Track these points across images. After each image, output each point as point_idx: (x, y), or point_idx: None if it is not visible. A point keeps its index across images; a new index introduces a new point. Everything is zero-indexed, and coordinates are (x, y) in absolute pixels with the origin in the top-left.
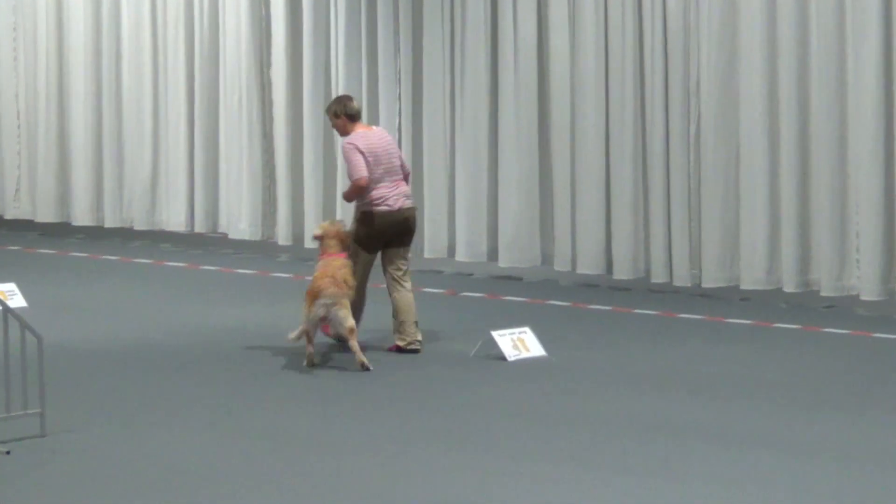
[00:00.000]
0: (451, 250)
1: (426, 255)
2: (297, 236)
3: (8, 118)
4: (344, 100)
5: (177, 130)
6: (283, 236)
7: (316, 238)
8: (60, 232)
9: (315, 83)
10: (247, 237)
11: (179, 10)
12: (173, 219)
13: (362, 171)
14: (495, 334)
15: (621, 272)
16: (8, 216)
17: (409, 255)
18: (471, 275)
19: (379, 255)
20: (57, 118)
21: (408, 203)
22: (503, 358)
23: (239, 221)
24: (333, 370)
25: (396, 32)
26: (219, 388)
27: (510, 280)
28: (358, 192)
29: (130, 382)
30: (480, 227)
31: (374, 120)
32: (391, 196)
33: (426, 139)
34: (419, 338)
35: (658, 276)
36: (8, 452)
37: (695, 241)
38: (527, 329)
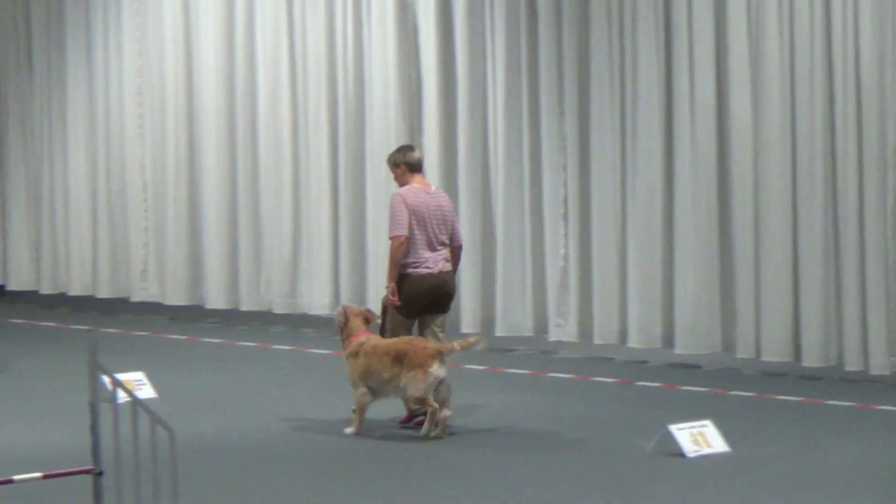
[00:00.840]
0: (623, 336)
1: (596, 340)
2: (454, 321)
3: (133, 191)
4: (405, 149)
5: (319, 204)
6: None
7: (341, 326)
8: (192, 316)
9: (471, 152)
10: None
11: (321, 72)
12: (316, 301)
13: (401, 230)
14: (673, 428)
15: (811, 359)
16: (134, 299)
17: (446, 322)
18: (645, 362)
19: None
20: (187, 191)
21: (447, 266)
22: (682, 454)
23: None
24: (492, 463)
25: (561, 95)
26: (367, 487)
27: (688, 368)
28: (396, 251)
29: (268, 481)
30: (654, 310)
31: (537, 193)
32: (430, 259)
33: (595, 213)
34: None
35: (852, 364)
36: None
37: (893, 325)
38: (707, 422)
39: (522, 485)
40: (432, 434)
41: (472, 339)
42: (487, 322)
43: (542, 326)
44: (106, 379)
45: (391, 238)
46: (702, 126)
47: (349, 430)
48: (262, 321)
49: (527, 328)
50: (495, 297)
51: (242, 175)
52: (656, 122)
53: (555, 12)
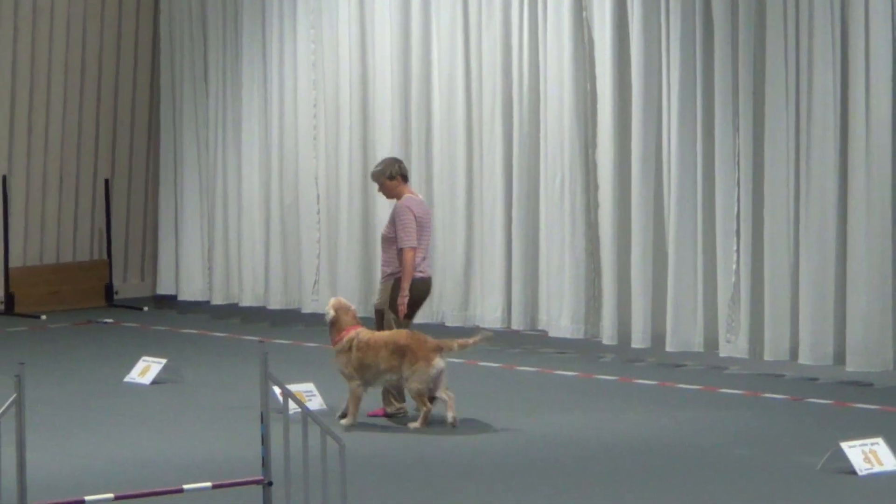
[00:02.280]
0: (794, 352)
1: (766, 357)
2: (624, 335)
3: (306, 203)
4: (396, 161)
5: (492, 216)
6: (607, 335)
7: (332, 321)
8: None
9: (645, 165)
10: (568, 335)
11: (496, 85)
12: (488, 314)
13: (413, 241)
14: (844, 446)
15: None
16: (306, 310)
17: None
18: (815, 379)
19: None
20: (360, 203)
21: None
22: (853, 472)
23: (560, 318)
24: (662, 477)
25: (735, 110)
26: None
27: (859, 386)
28: (411, 263)
29: (436, 495)
30: (826, 327)
31: (709, 208)
32: (424, 263)
33: (767, 228)
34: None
35: None
36: None
37: None
38: (879, 440)
39: (692, 500)
40: (451, 424)
41: (471, 340)
42: (658, 337)
43: (712, 342)
44: (277, 390)
45: (405, 249)
46: (877, 141)
47: (344, 421)
48: (435, 333)
49: (697, 343)
50: (665, 312)
51: (416, 187)
52: (831, 137)
53: (730, 27)
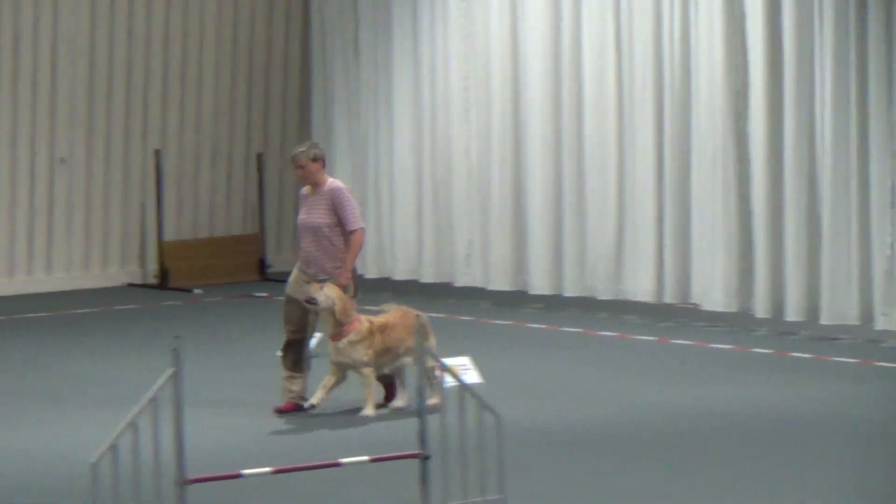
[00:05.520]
0: None
1: None
2: (777, 308)
3: (458, 177)
4: (316, 145)
5: (644, 190)
6: (761, 308)
7: (337, 310)
8: (516, 301)
9: (798, 137)
10: (721, 308)
11: (647, 57)
12: (640, 288)
13: (361, 221)
14: None
15: None
16: (458, 283)
17: None
18: None
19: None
20: (511, 177)
21: None
22: None
23: (712, 291)
24: (820, 452)
25: (890, 81)
26: (698, 478)
27: None
28: (361, 242)
29: (596, 468)
30: None
31: (864, 180)
32: None
33: None
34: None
35: None
36: None
37: None
38: None
39: (849, 476)
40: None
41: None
42: (812, 309)
43: (867, 315)
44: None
45: (358, 230)
46: None
47: (370, 412)
48: (585, 307)
49: (852, 317)
50: (820, 285)
51: (567, 160)
52: None
53: None
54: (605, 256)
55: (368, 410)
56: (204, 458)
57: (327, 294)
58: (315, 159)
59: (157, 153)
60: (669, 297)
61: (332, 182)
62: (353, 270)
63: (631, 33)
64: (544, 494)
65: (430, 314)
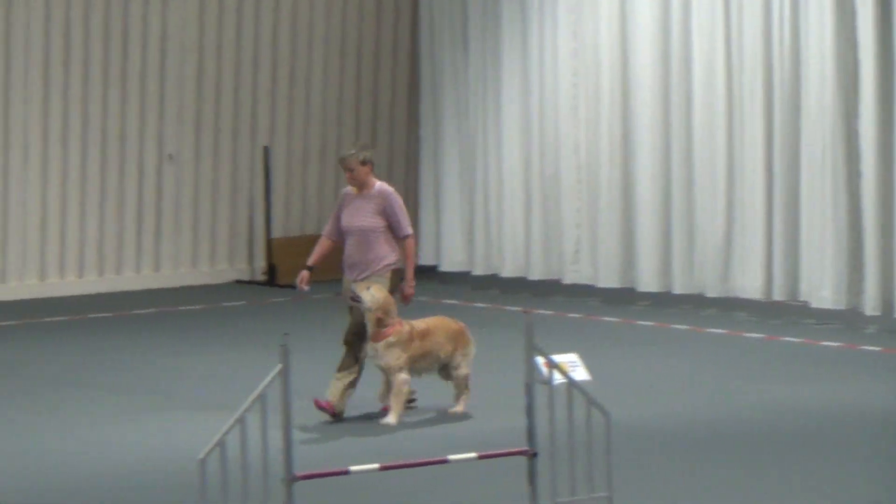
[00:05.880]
0: None
1: None
2: (887, 305)
3: (567, 173)
4: (368, 146)
5: (752, 186)
6: (871, 306)
7: (384, 313)
8: (624, 298)
9: None
10: (830, 306)
11: (756, 56)
12: (749, 285)
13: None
14: None
15: None
16: (567, 280)
17: None
18: None
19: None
20: (620, 173)
21: None
22: None
23: (821, 288)
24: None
25: None
26: (807, 477)
27: None
28: (414, 248)
29: (703, 466)
30: None
31: None
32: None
33: None
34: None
35: None
36: None
37: None
38: None
39: None
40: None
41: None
42: None
43: None
44: (541, 360)
45: (410, 236)
46: None
47: (392, 419)
48: (694, 304)
49: None
50: None
51: (676, 158)
52: None
53: None
54: (714, 253)
55: (391, 418)
56: (311, 455)
57: (373, 294)
58: (364, 162)
59: (266, 150)
60: (778, 295)
61: (381, 185)
62: (397, 271)
63: (741, 29)
64: (651, 492)
65: (539, 311)
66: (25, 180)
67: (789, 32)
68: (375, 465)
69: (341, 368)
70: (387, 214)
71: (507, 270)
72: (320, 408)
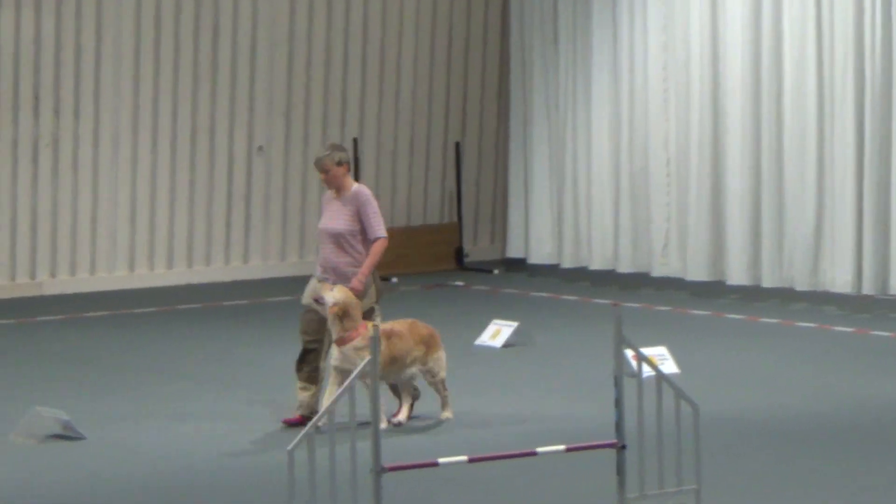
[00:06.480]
0: None
1: None
2: None
3: (656, 165)
4: (341, 148)
5: (843, 180)
6: None
7: (343, 314)
8: (713, 291)
9: None
10: None
11: (848, 48)
12: (839, 279)
13: (384, 230)
14: None
15: None
16: (655, 274)
17: None
18: None
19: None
20: (710, 167)
21: None
22: None
23: None
24: None
25: None
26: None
27: None
28: (382, 252)
29: (791, 459)
30: None
31: None
32: None
33: None
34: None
35: None
36: None
37: None
38: None
39: None
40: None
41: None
42: None
43: None
44: (629, 353)
45: (381, 239)
46: None
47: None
48: (783, 298)
49: None
50: None
51: (766, 152)
52: None
53: None
54: (804, 247)
55: (398, 417)
56: (400, 447)
57: (335, 295)
58: (340, 163)
59: (356, 141)
60: (868, 289)
61: (358, 187)
62: (377, 276)
63: (832, 21)
64: (739, 485)
65: (627, 304)
66: (115, 172)
67: (881, 23)
68: (464, 458)
69: (306, 379)
70: (360, 216)
71: (596, 263)
72: (292, 424)
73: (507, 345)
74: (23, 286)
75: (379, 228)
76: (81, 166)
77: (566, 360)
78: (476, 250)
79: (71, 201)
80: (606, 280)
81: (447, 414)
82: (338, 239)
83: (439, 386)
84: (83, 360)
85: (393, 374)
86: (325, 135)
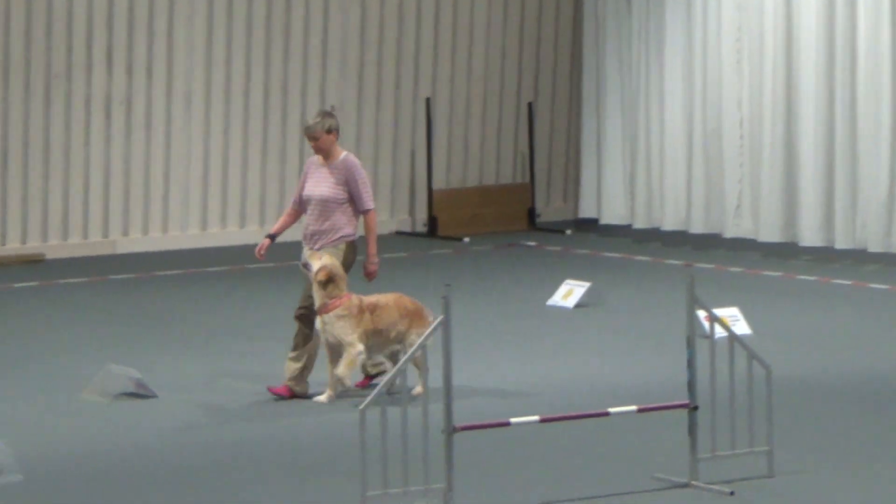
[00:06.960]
0: None
1: None
2: None
3: (729, 128)
4: (331, 115)
5: None
6: None
7: (328, 281)
8: (786, 253)
9: None
10: None
11: None
12: None
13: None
14: None
15: None
16: (728, 234)
17: None
18: None
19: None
20: (783, 127)
21: None
22: None
23: None
24: None
25: None
26: None
27: None
28: (375, 223)
29: (864, 422)
30: None
31: None
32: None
33: None
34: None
35: None
36: (732, 493)
37: None
38: None
39: None
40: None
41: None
42: None
43: None
44: (702, 314)
45: (372, 210)
46: None
47: (324, 397)
48: (856, 259)
49: None
50: None
51: (840, 112)
52: None
53: None
54: (878, 209)
55: (322, 397)
56: (472, 406)
57: (323, 261)
58: (329, 130)
59: (428, 101)
60: None
61: (346, 156)
62: (354, 247)
63: None
64: (812, 446)
65: (699, 265)
66: (188, 131)
67: None
68: (536, 418)
69: (295, 348)
70: (349, 186)
71: (668, 224)
72: (276, 394)
73: (579, 305)
74: (96, 245)
75: (368, 200)
76: (154, 125)
77: (638, 320)
78: (548, 210)
79: (144, 160)
80: (679, 241)
81: (419, 389)
82: (324, 204)
83: (421, 361)
84: (155, 318)
85: (376, 349)
86: (397, 94)
